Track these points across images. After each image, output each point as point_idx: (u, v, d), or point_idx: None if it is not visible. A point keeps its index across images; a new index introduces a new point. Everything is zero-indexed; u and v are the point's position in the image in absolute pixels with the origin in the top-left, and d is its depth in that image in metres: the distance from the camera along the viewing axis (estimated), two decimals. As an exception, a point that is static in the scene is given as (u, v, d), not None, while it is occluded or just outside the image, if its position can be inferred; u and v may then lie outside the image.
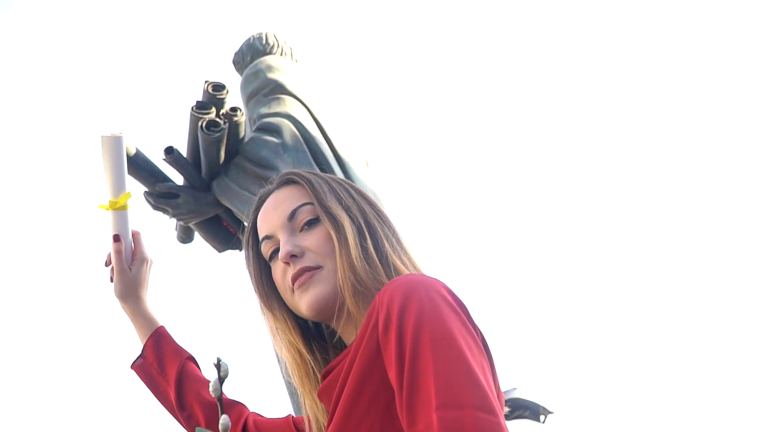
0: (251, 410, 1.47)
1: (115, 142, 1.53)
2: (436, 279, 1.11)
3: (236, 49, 3.90)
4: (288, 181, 1.29)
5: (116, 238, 1.50)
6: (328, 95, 3.79)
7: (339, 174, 3.38)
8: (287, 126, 3.37)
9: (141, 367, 1.49)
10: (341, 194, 1.25)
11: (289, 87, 3.54)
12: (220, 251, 3.67)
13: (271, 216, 1.26)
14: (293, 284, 1.21)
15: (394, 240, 1.24)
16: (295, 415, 1.45)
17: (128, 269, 1.51)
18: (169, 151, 3.28)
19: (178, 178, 3.41)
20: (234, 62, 3.90)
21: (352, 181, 3.45)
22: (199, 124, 3.23)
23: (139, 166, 3.31)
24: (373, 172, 3.68)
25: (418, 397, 0.99)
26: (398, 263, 1.20)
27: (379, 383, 1.07)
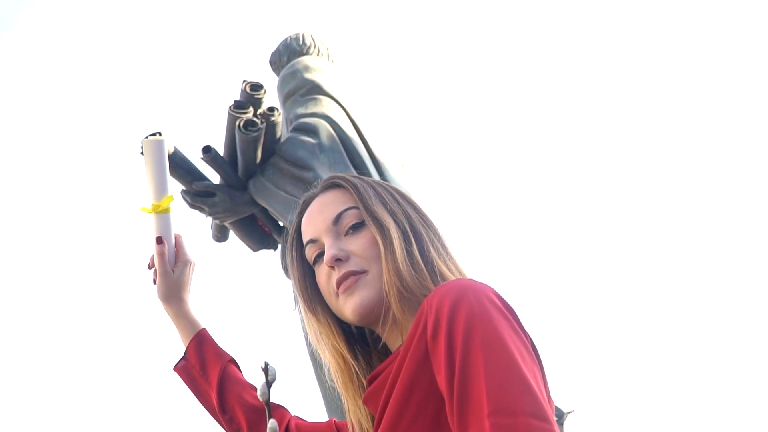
0: (293, 414, 1.47)
1: (157, 145, 1.54)
2: (485, 284, 1.10)
3: (273, 49, 3.92)
4: (333, 185, 1.29)
5: (159, 241, 1.51)
6: (363, 96, 3.79)
7: (375, 175, 3.37)
8: (324, 126, 3.38)
9: (184, 369, 1.50)
10: (387, 198, 1.24)
11: (326, 87, 3.55)
12: (254, 250, 3.69)
13: (316, 220, 1.26)
14: (338, 288, 1.20)
15: (439, 245, 1.23)
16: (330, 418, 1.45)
17: (171, 271, 1.52)
18: (207, 150, 3.30)
19: (214, 177, 3.43)
20: (271, 62, 3.91)
21: (386, 181, 3.45)
22: (237, 123, 3.25)
23: (177, 164, 3.33)
24: (407, 174, 3.67)
25: (469, 403, 0.98)
26: (444, 268, 1.19)
27: (428, 389, 1.05)
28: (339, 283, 1.20)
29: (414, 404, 1.06)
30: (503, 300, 1.09)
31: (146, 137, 1.53)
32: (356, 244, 1.21)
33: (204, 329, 1.53)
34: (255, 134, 3.24)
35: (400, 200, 1.26)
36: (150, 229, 1.55)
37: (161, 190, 1.53)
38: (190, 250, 1.57)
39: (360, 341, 1.30)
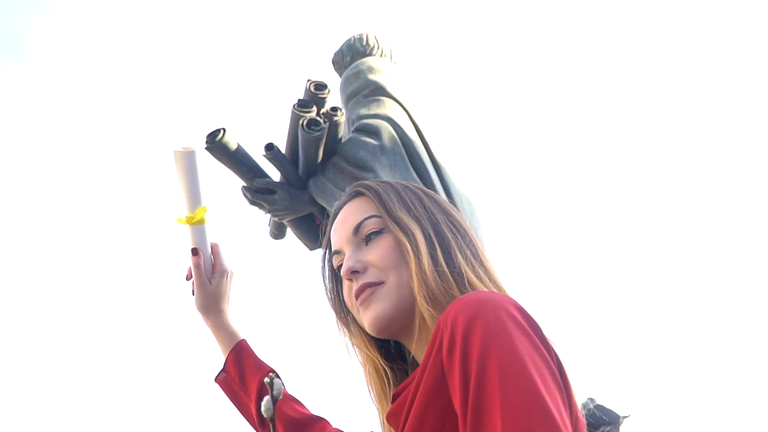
0: (334, 426, 1.43)
1: (188, 156, 1.51)
2: (505, 296, 1.02)
3: (336, 48, 3.93)
4: (357, 194, 1.25)
5: (194, 252, 1.49)
6: (425, 98, 3.78)
7: (435, 179, 3.36)
8: (386, 128, 3.37)
9: (224, 381, 1.48)
10: (412, 202, 1.20)
11: (389, 89, 3.54)
12: (311, 249, 3.70)
13: (339, 230, 1.23)
14: (357, 300, 1.17)
15: (469, 252, 1.16)
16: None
17: (208, 282, 1.49)
18: (269, 148, 3.33)
19: (275, 175, 3.46)
20: (333, 62, 3.92)
21: (447, 186, 3.45)
22: (300, 122, 3.26)
23: (239, 160, 3.36)
24: (467, 177, 3.65)
25: (483, 429, 0.91)
26: (472, 277, 1.13)
27: (443, 411, 0.99)
28: (357, 296, 1.16)
29: (428, 426, 0.99)
30: (525, 314, 1.00)
31: (176, 149, 1.50)
32: (374, 253, 1.17)
33: (243, 340, 1.50)
34: (318, 133, 3.25)
35: (428, 203, 1.21)
36: (186, 241, 1.53)
37: (195, 201, 1.51)
38: (228, 259, 1.55)
39: (395, 355, 1.25)
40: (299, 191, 3.40)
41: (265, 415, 1.14)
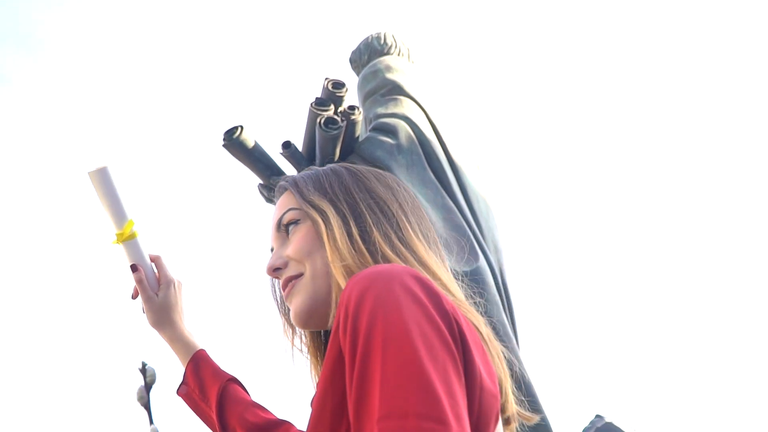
0: (298, 428, 1.40)
1: (101, 174, 1.47)
2: (405, 267, 0.98)
3: (354, 47, 3.93)
4: (282, 189, 1.25)
5: (134, 269, 1.46)
6: (442, 97, 3.77)
7: (452, 178, 3.35)
8: (403, 127, 3.37)
9: (185, 394, 1.45)
10: (330, 184, 1.18)
11: (407, 88, 3.54)
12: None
13: (269, 229, 1.23)
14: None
15: (389, 228, 1.12)
16: None
17: (155, 296, 1.46)
18: (287, 146, 3.33)
19: (292, 173, 3.46)
20: (351, 61, 3.92)
21: (464, 186, 3.44)
22: (318, 120, 3.26)
23: (256, 158, 3.36)
24: (484, 177, 3.65)
25: (364, 407, 0.88)
26: (389, 252, 1.09)
27: (342, 394, 0.94)
28: (282, 292, 1.17)
29: (328, 410, 0.94)
30: (424, 284, 0.96)
31: (89, 170, 1.46)
32: (292, 246, 1.16)
33: (202, 350, 1.47)
34: (335, 132, 3.25)
35: (349, 182, 1.18)
36: (123, 260, 1.50)
37: (119, 217, 1.47)
38: (172, 269, 1.51)
39: None
40: (316, 190, 3.40)
41: (140, 403, 1.11)
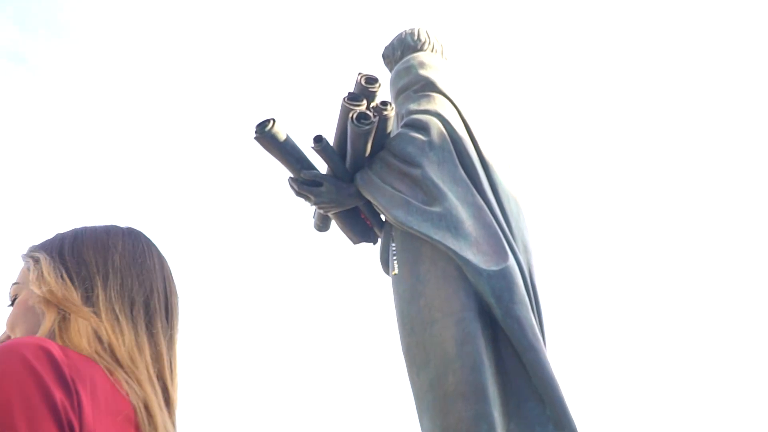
0: None
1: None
2: (32, 340, 1.09)
3: (387, 42, 3.91)
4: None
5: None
6: (475, 95, 3.74)
7: (482, 176, 3.32)
8: (435, 124, 3.34)
9: None
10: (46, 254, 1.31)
11: (440, 85, 3.51)
12: (355, 243, 3.69)
13: None
14: None
15: (81, 289, 1.26)
16: None
17: None
18: (318, 140, 3.32)
19: (322, 168, 3.45)
20: (384, 56, 3.90)
21: (494, 184, 3.41)
22: (350, 115, 3.24)
23: (287, 151, 3.35)
24: (514, 175, 3.61)
25: None
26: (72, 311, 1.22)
27: None
28: None
29: None
30: (46, 356, 1.07)
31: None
32: (8, 318, 1.32)
33: None
34: (367, 127, 3.24)
35: (67, 247, 1.32)
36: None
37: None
38: None
39: None
40: (346, 184, 3.38)
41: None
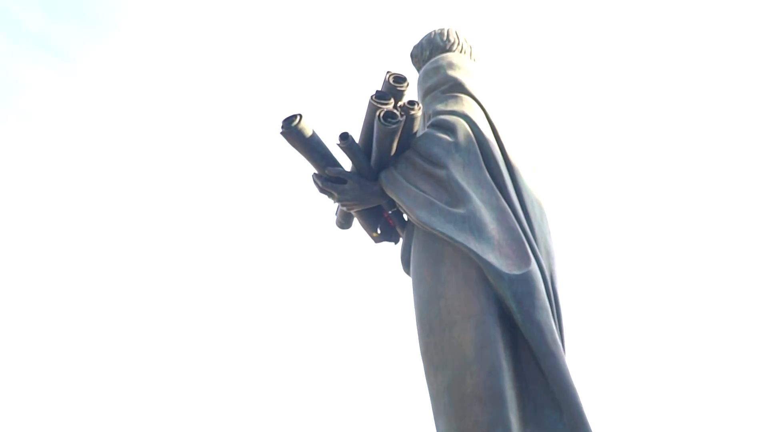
0: None
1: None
2: None
3: (416, 42, 3.90)
4: None
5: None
6: (502, 97, 3.72)
7: (507, 179, 3.31)
8: (462, 126, 3.34)
9: None
10: None
11: (468, 86, 3.50)
12: (376, 242, 3.69)
13: None
14: None
15: None
16: None
17: None
18: (344, 137, 3.32)
19: (347, 165, 3.44)
20: (412, 55, 3.89)
21: (519, 188, 3.39)
22: (377, 113, 3.24)
23: (313, 147, 3.35)
24: (539, 178, 3.60)
25: None
26: None
27: None
28: None
29: None
30: None
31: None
32: None
33: None
34: (394, 126, 3.23)
35: None
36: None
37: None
38: None
39: None
40: (370, 182, 3.38)
41: None
